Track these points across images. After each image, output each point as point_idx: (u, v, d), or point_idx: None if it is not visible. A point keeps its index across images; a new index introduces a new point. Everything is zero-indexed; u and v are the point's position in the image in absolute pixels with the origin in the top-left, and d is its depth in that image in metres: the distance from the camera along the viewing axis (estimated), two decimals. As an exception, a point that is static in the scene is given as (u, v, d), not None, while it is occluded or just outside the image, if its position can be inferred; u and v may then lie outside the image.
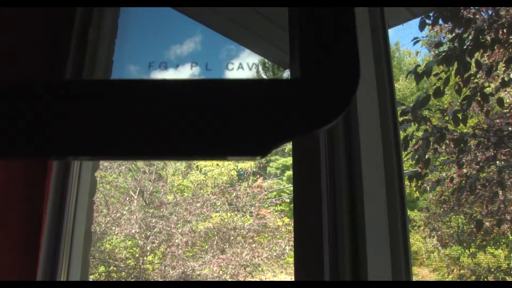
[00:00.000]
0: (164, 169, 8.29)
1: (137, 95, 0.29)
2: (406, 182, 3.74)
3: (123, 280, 6.63)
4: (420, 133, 3.67)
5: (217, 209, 7.40)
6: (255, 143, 0.27)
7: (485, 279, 4.27)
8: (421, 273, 5.60)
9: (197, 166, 9.55)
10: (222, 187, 7.73)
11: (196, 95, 0.28)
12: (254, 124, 0.27)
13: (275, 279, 6.62)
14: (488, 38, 3.42)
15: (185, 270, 6.48)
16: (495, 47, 3.49)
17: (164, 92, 0.29)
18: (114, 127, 0.28)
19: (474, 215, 4.31)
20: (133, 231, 6.75)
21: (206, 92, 0.29)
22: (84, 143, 0.27)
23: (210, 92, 0.29)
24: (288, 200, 8.54)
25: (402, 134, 3.58)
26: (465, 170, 3.97)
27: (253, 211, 7.38)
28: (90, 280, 5.71)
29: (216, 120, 0.27)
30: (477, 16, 3.48)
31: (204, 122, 0.27)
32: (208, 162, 9.87)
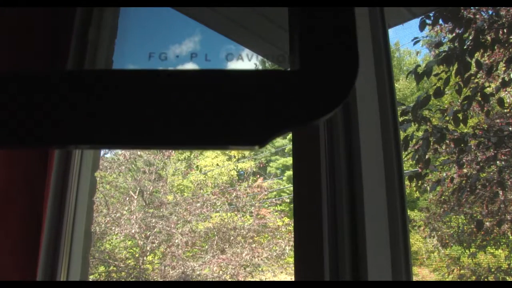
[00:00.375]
0: (164, 169, 8.29)
1: (138, 85, 0.29)
2: (406, 182, 3.73)
3: (123, 280, 6.63)
4: (420, 133, 3.67)
5: (217, 209, 7.40)
6: (253, 132, 0.27)
7: (485, 279, 4.27)
8: (421, 273, 5.60)
9: (197, 166, 9.55)
10: (222, 187, 7.74)
11: (196, 85, 0.29)
12: (253, 114, 0.28)
13: (275, 279, 6.62)
14: (488, 38, 3.42)
15: (185, 270, 6.49)
16: (495, 47, 3.49)
17: (163, 82, 0.29)
18: (115, 116, 0.28)
19: (474, 215, 4.31)
20: (133, 231, 6.75)
21: (206, 82, 0.29)
22: (86, 131, 0.27)
23: (210, 82, 0.29)
24: (288, 200, 8.54)
25: (402, 134, 3.58)
26: (465, 170, 3.97)
27: (253, 211, 7.38)
28: (90, 280, 5.71)
29: (216, 109, 0.28)
30: (477, 16, 3.48)
31: (204, 112, 0.28)
32: (208, 162, 9.87)
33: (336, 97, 0.28)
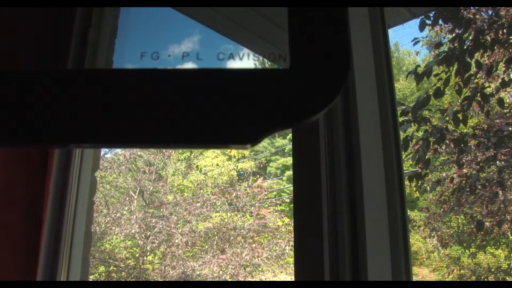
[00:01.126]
0: (164, 169, 8.29)
1: (136, 84, 0.29)
2: (406, 182, 3.73)
3: (123, 280, 6.63)
4: (420, 134, 3.67)
5: (217, 209, 7.40)
6: (245, 131, 0.27)
7: (485, 279, 4.27)
8: (421, 273, 5.60)
9: (197, 166, 9.55)
10: (222, 187, 7.74)
11: (189, 84, 0.29)
12: (244, 112, 0.28)
13: (275, 279, 6.62)
14: (488, 38, 3.42)
15: (185, 270, 6.49)
16: (495, 47, 3.49)
17: (156, 81, 0.29)
18: (114, 115, 0.28)
19: (474, 215, 4.31)
20: (133, 231, 6.75)
21: (199, 81, 0.29)
22: (86, 130, 0.28)
23: (203, 81, 0.29)
24: (288, 200, 8.54)
25: (402, 135, 3.58)
26: (465, 170, 3.97)
27: (253, 211, 7.39)
28: (90, 280, 5.71)
29: (208, 108, 0.28)
30: (477, 16, 3.48)
31: (198, 111, 0.28)
32: (208, 162, 9.87)
33: (327, 95, 0.28)
